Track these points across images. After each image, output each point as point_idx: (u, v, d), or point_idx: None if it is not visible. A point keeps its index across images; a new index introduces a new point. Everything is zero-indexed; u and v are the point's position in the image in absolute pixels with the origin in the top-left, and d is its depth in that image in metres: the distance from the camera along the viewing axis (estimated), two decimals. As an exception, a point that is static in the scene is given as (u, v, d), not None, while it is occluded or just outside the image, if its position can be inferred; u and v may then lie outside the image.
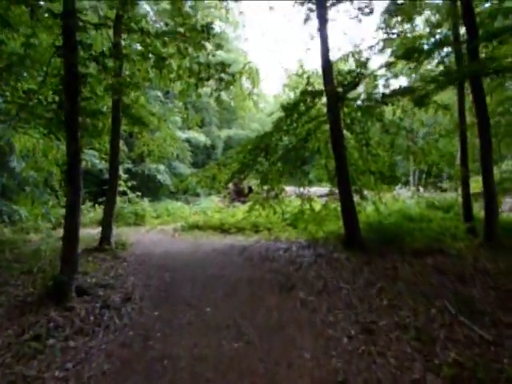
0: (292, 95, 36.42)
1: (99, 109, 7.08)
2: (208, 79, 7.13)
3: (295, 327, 4.46)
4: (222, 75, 7.11)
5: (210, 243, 10.85)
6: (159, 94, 23.72)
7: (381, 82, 10.74)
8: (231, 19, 27.04)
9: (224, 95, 27.86)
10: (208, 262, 8.20)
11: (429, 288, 5.83)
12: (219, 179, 10.90)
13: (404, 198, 15.68)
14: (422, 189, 15.69)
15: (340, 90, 9.40)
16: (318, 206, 11.63)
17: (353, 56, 10.57)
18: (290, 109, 8.59)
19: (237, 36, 30.70)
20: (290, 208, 11.52)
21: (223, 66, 6.99)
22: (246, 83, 31.14)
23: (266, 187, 9.86)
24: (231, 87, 10.05)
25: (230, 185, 19.09)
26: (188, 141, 24.61)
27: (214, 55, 7.72)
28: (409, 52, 7.99)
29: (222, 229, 13.07)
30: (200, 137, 24.31)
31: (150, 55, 6.13)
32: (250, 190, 20.74)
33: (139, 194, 17.66)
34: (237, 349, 3.92)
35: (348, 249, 8.88)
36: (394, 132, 10.56)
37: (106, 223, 9.67)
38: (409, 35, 11.71)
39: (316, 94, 8.72)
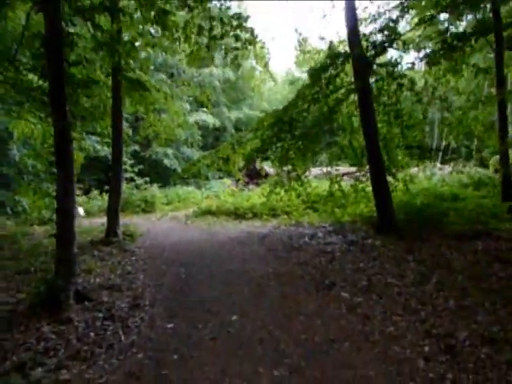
0: (305, 73, 34.88)
1: (91, 77, 5.98)
2: (222, 37, 5.97)
3: (348, 343, 3.44)
4: (239, 32, 5.94)
5: (226, 231, 9.86)
6: (163, 76, 22.50)
7: (412, 45, 9.41)
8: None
9: (230, 74, 26.55)
10: (226, 253, 7.21)
11: (496, 282, 4.78)
12: (234, 160, 9.84)
13: (431, 175, 14.48)
14: (451, 165, 14.46)
15: (368, 54, 8.20)
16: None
17: (379, 16, 9.29)
18: (317, 73, 7.40)
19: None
20: (312, 190, 10.41)
21: (239, 19, 5.81)
22: (253, 61, 29.77)
23: (286, 167, 8.77)
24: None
25: (240, 167, 18.04)
26: (196, 123, 23.45)
27: (228, 7, 6.50)
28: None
29: (237, 214, 12.08)
30: (208, 118, 23.09)
31: (151, 11, 5.00)
32: (261, 172, 19.67)
33: (147, 179, 16.68)
34: (279, 380, 2.92)
35: (382, 234, 7.84)
36: (426, 102, 9.36)
37: (112, 213, 8.70)
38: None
39: (344, 57, 7.50)
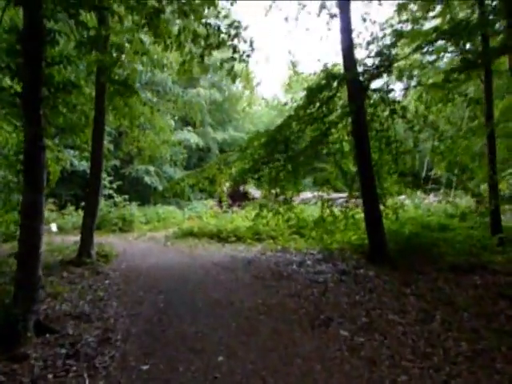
0: (294, 97, 35.23)
1: (71, 80, 5.45)
2: (218, 46, 5.58)
3: (356, 395, 2.93)
4: (236, 42, 5.59)
5: (208, 254, 9.27)
6: (149, 94, 22.08)
7: (405, 73, 9.30)
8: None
9: (217, 95, 26.36)
10: (210, 280, 6.61)
11: (507, 322, 4.38)
12: (219, 181, 9.37)
13: (418, 204, 14.32)
14: (437, 195, 14.35)
15: (363, 78, 8.01)
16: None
17: (373, 42, 9.17)
18: (313, 93, 7.09)
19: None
20: (299, 214, 10.00)
21: (237, 28, 5.44)
22: (239, 85, 29.73)
23: (275, 190, 8.34)
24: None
25: (225, 188, 17.55)
26: (179, 143, 22.98)
27: (226, 16, 6.16)
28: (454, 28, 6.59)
29: (220, 237, 11.50)
30: (192, 137, 22.66)
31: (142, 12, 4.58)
32: (246, 194, 19.20)
33: (126, 197, 15.97)
34: None
35: (374, 264, 7.43)
36: (418, 129, 9.18)
37: (87, 231, 8.02)
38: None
39: (340, 79, 7.24)
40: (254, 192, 19.51)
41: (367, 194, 7.81)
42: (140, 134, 10.26)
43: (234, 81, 7.76)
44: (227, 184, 11.20)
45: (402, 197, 13.24)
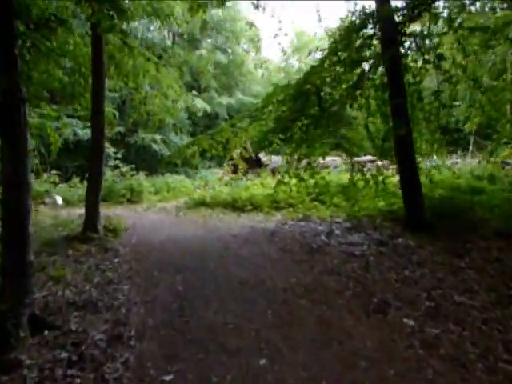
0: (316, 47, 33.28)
1: (53, 13, 4.43)
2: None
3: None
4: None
5: (225, 225, 8.46)
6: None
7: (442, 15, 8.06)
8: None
9: (222, 58, 24.88)
10: (231, 255, 5.81)
11: None
12: (234, 145, 8.42)
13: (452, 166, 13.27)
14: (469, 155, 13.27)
15: (397, 19, 6.87)
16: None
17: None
18: (349, 33, 6.00)
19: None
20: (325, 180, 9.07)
21: None
22: (244, 46, 28.08)
23: (297, 155, 7.39)
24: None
25: (235, 155, 16.55)
26: (187, 108, 21.82)
27: None
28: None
29: (235, 206, 10.66)
30: (199, 103, 21.45)
31: None
32: (258, 161, 18.21)
33: (133, 166, 15.10)
34: None
35: (411, 232, 6.58)
36: (456, 81, 8.09)
37: (91, 203, 7.20)
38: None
39: (377, 17, 6.10)
40: (265, 158, 18.56)
41: (403, 154, 6.85)
42: (147, 95, 9.21)
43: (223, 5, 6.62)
44: (239, 150, 10.27)
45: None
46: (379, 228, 7.15)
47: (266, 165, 17.94)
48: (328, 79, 5.91)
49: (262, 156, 18.33)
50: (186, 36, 23.23)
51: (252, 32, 27.70)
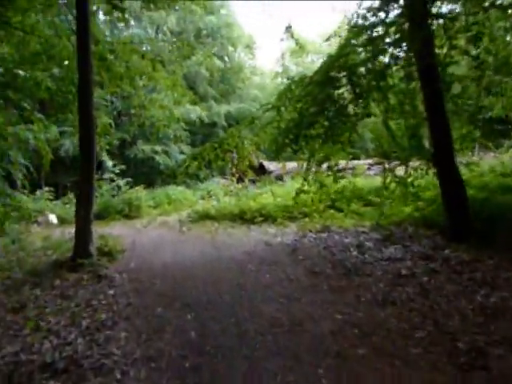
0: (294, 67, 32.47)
1: None
2: None
3: None
4: None
5: (235, 241, 7.39)
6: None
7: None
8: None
9: (219, 64, 23.94)
10: (251, 281, 4.72)
11: None
12: (243, 153, 7.37)
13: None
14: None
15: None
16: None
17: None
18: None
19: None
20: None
21: None
22: (241, 53, 27.23)
23: (316, 158, 6.37)
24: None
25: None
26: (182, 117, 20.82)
27: None
28: None
29: (243, 218, 9.60)
30: (195, 111, 20.41)
31: None
32: (262, 168, 17.18)
33: (130, 179, 14.04)
34: None
35: (458, 242, 5.54)
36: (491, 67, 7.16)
37: (82, 224, 6.14)
38: None
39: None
40: (269, 165, 17.57)
41: (442, 152, 5.83)
42: (146, 99, 8.16)
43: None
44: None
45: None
46: (416, 238, 6.10)
47: (271, 172, 16.94)
48: (361, 56, 4.84)
49: (267, 163, 17.35)
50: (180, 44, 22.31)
51: (247, 38, 26.99)
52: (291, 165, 16.91)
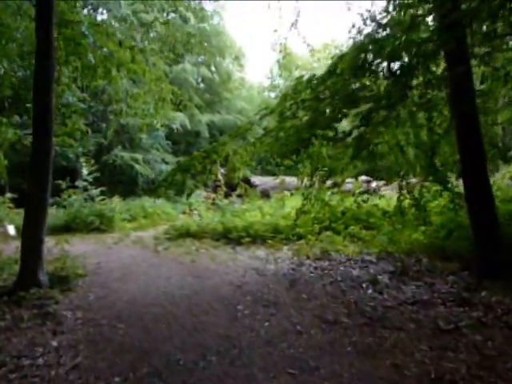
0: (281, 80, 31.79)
1: None
2: None
3: None
4: None
5: (220, 267, 6.20)
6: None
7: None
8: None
9: (206, 73, 22.95)
10: (244, 332, 3.52)
11: None
12: (234, 164, 6.24)
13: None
14: None
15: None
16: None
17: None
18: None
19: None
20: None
21: None
22: (229, 63, 26.36)
23: (321, 172, 5.33)
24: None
25: (219, 175, 14.40)
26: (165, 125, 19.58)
27: None
28: None
29: (228, 237, 8.44)
30: (178, 118, 19.21)
31: None
32: (248, 182, 16.08)
33: (103, 189, 12.67)
34: None
35: (493, 280, 4.54)
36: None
37: (29, 243, 4.85)
38: None
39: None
40: (254, 179, 16.53)
41: (473, 166, 4.87)
42: (127, 92, 6.97)
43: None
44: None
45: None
46: (437, 273, 5.08)
47: (256, 186, 15.86)
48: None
49: (253, 177, 16.32)
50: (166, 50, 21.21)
51: (237, 49, 26.14)
52: (276, 180, 15.97)
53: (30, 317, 4.11)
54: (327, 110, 4.03)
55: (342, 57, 4.09)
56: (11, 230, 10.67)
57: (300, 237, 7.94)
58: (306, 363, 2.85)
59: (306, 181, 5.63)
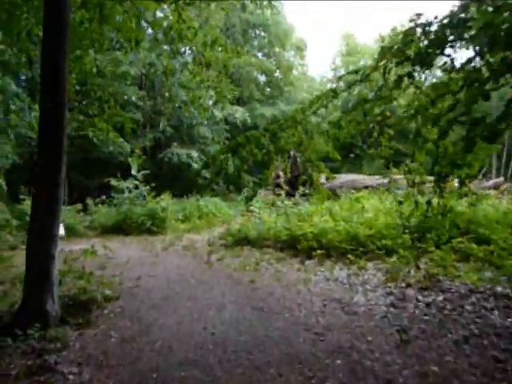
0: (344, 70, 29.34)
1: None
2: None
3: None
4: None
5: (289, 294, 4.57)
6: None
7: None
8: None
9: (268, 64, 21.43)
10: None
11: None
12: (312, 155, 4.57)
13: None
14: None
15: None
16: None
17: None
18: None
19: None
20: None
21: None
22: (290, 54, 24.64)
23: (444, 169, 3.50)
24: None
25: (280, 171, 12.80)
26: (224, 119, 18.42)
27: None
28: None
29: (295, 247, 6.79)
30: (238, 113, 17.96)
31: None
32: (304, 180, 14.28)
33: (153, 185, 11.59)
34: None
35: None
36: None
37: (35, 263, 3.57)
38: None
39: None
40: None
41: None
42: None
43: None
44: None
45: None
46: None
47: (321, 184, 14.01)
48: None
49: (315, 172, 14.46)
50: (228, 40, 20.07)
51: (298, 40, 24.32)
52: (348, 177, 14.01)
53: (22, 370, 2.82)
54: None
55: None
56: (61, 230, 9.94)
57: (387, 250, 6.08)
58: None
59: (417, 179, 3.82)
